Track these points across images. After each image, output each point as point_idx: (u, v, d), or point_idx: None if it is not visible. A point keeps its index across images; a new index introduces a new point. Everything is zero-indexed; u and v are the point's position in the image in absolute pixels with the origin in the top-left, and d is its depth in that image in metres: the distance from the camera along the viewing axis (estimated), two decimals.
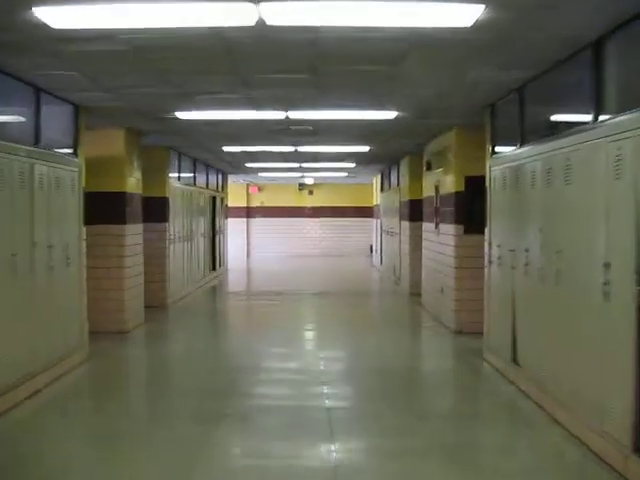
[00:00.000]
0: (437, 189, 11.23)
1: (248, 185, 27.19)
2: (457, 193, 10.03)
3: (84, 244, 8.13)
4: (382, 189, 20.46)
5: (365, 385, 7.50)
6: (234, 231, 26.26)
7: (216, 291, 16.98)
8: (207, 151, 13.93)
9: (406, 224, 15.12)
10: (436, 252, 11.32)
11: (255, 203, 27.49)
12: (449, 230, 10.29)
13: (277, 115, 9.24)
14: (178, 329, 11.55)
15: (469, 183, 9.83)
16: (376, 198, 22.07)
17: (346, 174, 21.12)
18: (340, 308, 13.46)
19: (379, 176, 21.14)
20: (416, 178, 14.36)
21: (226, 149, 13.11)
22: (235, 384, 7.30)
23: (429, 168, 11.92)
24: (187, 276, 14.69)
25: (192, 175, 15.62)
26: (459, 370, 8.39)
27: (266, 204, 27.43)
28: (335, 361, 8.84)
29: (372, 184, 23.48)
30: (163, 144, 12.42)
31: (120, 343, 9.45)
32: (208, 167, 17.59)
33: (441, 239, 10.90)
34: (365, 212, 26.97)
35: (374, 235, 22.76)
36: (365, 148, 12.97)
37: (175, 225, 13.41)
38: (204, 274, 16.94)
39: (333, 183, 26.91)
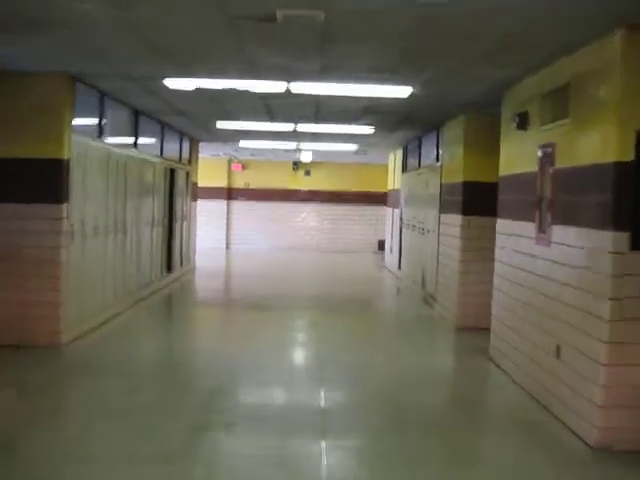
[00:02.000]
0: (547, 159, 6.04)
1: (230, 161, 21.94)
2: (618, 166, 4.84)
3: None
4: (404, 169, 15.25)
5: None
6: (209, 217, 21.16)
7: (166, 305, 11.79)
8: (148, 92, 8.69)
9: (452, 219, 9.94)
10: (539, 277, 6.15)
11: (238, 184, 22.24)
12: (588, 239, 5.12)
13: None
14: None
15: None
16: (393, 181, 16.85)
17: (356, 148, 15.89)
18: (346, 350, 8.27)
19: (399, 152, 15.91)
20: (478, 148, 9.22)
21: (172, 85, 7.85)
22: None
23: (523, 124, 6.70)
24: (113, 289, 9.48)
25: (130, 133, 10.36)
26: None
27: (252, 185, 22.20)
28: None
29: (387, 164, 18.23)
30: (60, 69, 7.19)
31: None
32: (163, 126, 12.35)
33: (557, 254, 5.73)
34: (375, 199, 21.79)
35: (388, 228, 17.57)
36: (403, 91, 7.72)
37: (86, 209, 8.19)
38: (151, 279, 11.74)
39: (336, 162, 21.70)
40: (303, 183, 22.26)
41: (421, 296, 12.16)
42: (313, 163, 21.82)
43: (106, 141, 9.03)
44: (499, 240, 7.53)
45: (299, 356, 8.29)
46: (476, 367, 7.62)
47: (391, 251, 16.71)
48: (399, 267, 15.30)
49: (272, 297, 12.20)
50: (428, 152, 12.46)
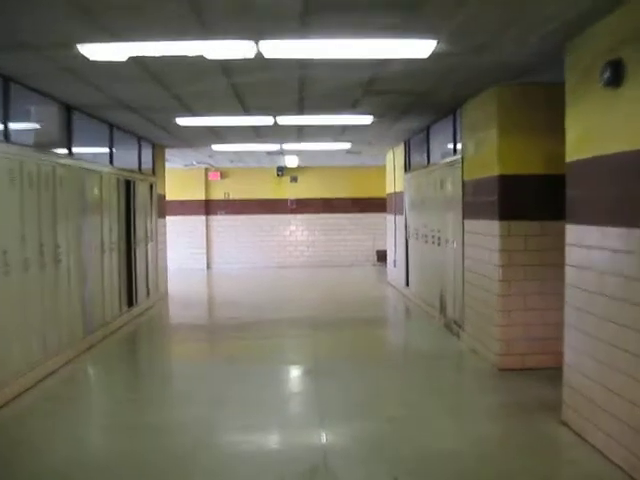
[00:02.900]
0: None
1: (207, 170, 19.57)
2: None
3: None
4: (407, 168, 12.93)
5: None
6: (186, 235, 18.86)
7: (124, 353, 9.32)
8: (64, 71, 6.34)
9: (483, 226, 7.62)
10: None
11: (217, 194, 19.85)
12: None
13: None
14: None
15: None
16: (393, 184, 14.52)
17: (348, 146, 13.57)
18: (355, 416, 5.87)
19: (399, 149, 13.60)
20: (519, 130, 6.96)
21: (94, 55, 5.50)
22: None
23: (616, 79, 4.39)
24: (41, 340, 7.07)
25: (60, 135, 7.97)
26: None
27: (233, 196, 19.82)
28: None
29: (385, 165, 15.90)
30: None
31: None
32: (112, 128, 9.99)
33: None
34: (371, 205, 19.51)
35: (390, 238, 15.23)
36: (422, 48, 5.38)
37: None
38: (105, 320, 9.35)
39: (325, 166, 19.38)
40: (290, 191, 19.90)
41: (440, 321, 9.83)
42: (300, 168, 19.49)
43: (15, 145, 6.65)
44: (573, 256, 5.20)
45: (294, 443, 5.91)
46: (547, 438, 5.26)
47: (395, 265, 14.36)
48: (407, 284, 12.96)
49: (259, 331, 9.83)
50: (441, 144, 10.15)
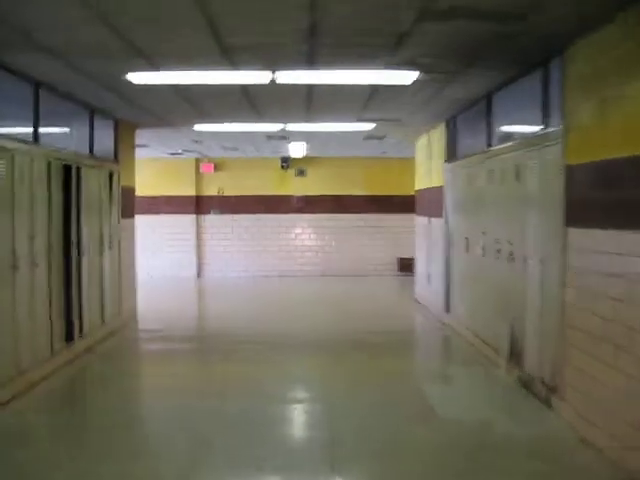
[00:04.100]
0: None
1: (198, 161, 16.48)
2: None
3: None
4: (450, 156, 9.79)
5: None
6: (171, 238, 15.90)
7: (26, 427, 6.18)
8: None
9: (619, 241, 4.49)
10: None
11: (210, 190, 16.74)
12: None
13: None
14: None
15: None
16: (429, 177, 11.36)
17: (371, 127, 10.45)
18: None
19: (437, 132, 10.47)
20: None
21: None
22: None
23: None
24: None
25: None
26: None
27: (228, 192, 16.72)
28: None
29: (416, 154, 12.75)
30: None
31: None
32: (38, 88, 6.87)
33: None
34: (393, 205, 16.48)
35: (422, 247, 12.09)
36: None
37: None
38: (19, 369, 6.26)
39: (338, 157, 16.26)
40: (296, 187, 16.76)
41: (509, 373, 6.71)
42: (308, 160, 16.37)
43: None
44: None
45: None
46: None
47: (429, 280, 11.23)
48: (447, 309, 9.84)
49: (248, 395, 6.74)
50: (513, 117, 7.05)
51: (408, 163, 14.82)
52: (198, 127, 10.27)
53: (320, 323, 10.23)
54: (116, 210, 9.49)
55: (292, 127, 10.41)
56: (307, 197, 16.68)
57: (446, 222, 9.88)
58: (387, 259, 16.69)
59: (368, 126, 10.34)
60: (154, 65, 6.07)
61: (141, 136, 11.32)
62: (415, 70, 6.31)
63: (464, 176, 8.86)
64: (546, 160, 5.84)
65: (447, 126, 9.91)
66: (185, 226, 16.51)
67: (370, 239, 16.69)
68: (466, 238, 8.70)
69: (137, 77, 6.45)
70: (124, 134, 9.96)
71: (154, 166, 16.00)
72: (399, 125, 10.34)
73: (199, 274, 16.60)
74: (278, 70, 6.23)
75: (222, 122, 9.92)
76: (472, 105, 8.37)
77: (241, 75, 6.41)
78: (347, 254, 16.71)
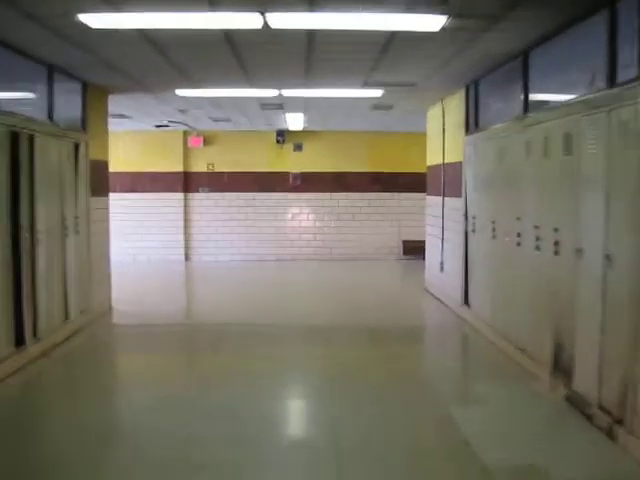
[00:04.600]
0: None
1: (186, 134, 15.11)
2: None
3: None
4: (472, 125, 8.44)
5: None
6: (156, 218, 14.66)
7: None
8: None
9: None
10: None
11: (199, 166, 15.38)
12: None
13: None
14: None
15: None
16: (441, 152, 10.02)
17: (379, 94, 9.11)
18: None
19: (458, 99, 9.12)
20: None
21: None
22: None
23: None
24: None
25: None
26: None
27: (219, 168, 15.36)
28: None
29: (427, 126, 11.39)
30: None
31: None
32: None
33: None
34: (398, 183, 15.23)
35: (434, 230, 10.79)
36: None
37: None
38: None
39: (339, 131, 14.91)
40: (293, 163, 15.39)
41: (554, 390, 5.47)
42: (306, 133, 15.01)
43: None
44: None
45: None
46: None
47: (442, 269, 9.94)
48: (465, 301, 8.57)
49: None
50: (564, 73, 5.72)
51: (414, 138, 13.63)
52: (181, 92, 8.91)
53: (317, 318, 8.95)
54: (84, 187, 8.16)
55: (288, 93, 9.06)
56: (305, 175, 15.32)
57: (465, 203, 8.57)
58: (391, 242, 15.39)
59: (375, 93, 9.00)
60: (112, 3, 4.72)
61: (119, 104, 10.00)
62: (443, 14, 4.98)
63: (490, 149, 7.53)
64: (617, 126, 4.53)
65: (467, 92, 8.57)
66: (172, 205, 15.17)
67: (372, 220, 15.38)
68: (492, 222, 7.40)
69: (93, 19, 5.10)
70: (94, 100, 8.60)
71: (138, 140, 14.69)
72: (411, 92, 8.99)
73: (187, 257, 15.30)
74: (271, 11, 4.89)
75: (206, 86, 8.57)
76: (502, 64, 7.03)
77: (224, 18, 5.07)
78: (348, 236, 15.41)
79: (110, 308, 9.24)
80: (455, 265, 9.10)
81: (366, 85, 8.44)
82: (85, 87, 8.28)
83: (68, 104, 7.85)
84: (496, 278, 7.38)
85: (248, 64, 7.02)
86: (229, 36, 5.72)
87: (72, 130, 7.89)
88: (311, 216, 15.46)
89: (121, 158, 13.78)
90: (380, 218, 15.39)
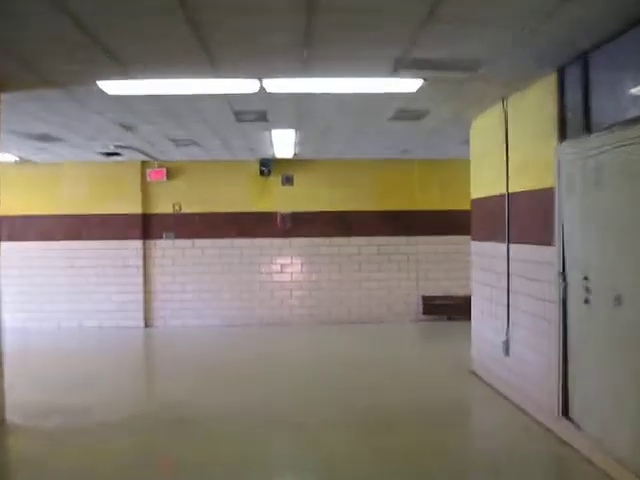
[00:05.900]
0: None
1: (144, 165, 11.86)
2: None
3: None
4: (570, 130, 5.24)
5: None
6: (108, 273, 11.48)
7: None
8: None
9: None
10: None
11: (162, 206, 12.09)
12: None
13: None
14: None
15: None
16: (504, 175, 6.82)
17: (416, 86, 5.91)
18: None
19: (542, 89, 5.95)
20: None
21: None
22: None
23: None
24: None
25: None
26: None
27: (187, 209, 12.08)
28: None
29: (471, 145, 8.20)
30: None
31: None
32: None
33: None
34: (418, 224, 12.06)
35: (484, 290, 7.51)
36: None
37: None
38: None
39: (341, 160, 11.76)
40: (281, 200, 12.08)
41: None
42: (298, 162, 11.82)
43: None
44: None
45: None
46: None
47: (507, 351, 6.63)
48: (564, 411, 5.25)
49: None
50: None
51: (435, 166, 11.09)
52: (107, 86, 5.67)
53: (308, 430, 5.58)
54: None
55: (275, 86, 5.84)
56: (296, 215, 12.05)
57: (562, 255, 5.32)
58: (407, 298, 12.11)
59: (411, 85, 5.81)
60: None
61: (30, 115, 6.81)
62: None
63: (619, 164, 4.32)
64: None
65: (562, 76, 5.40)
66: (128, 256, 11.87)
67: (384, 271, 12.12)
68: (626, 290, 4.14)
69: None
70: None
71: (83, 173, 11.63)
72: (459, 86, 5.83)
73: (148, 323, 11.93)
74: None
75: (146, 74, 5.35)
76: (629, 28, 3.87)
77: None
78: (352, 293, 12.12)
79: (2, 422, 5.86)
80: (538, 350, 5.81)
81: (399, 67, 5.26)
82: None
83: None
84: (633, 378, 4.11)
85: (210, 30, 3.82)
86: None
87: None
88: (305, 267, 12.16)
89: (54, 196, 10.60)
90: (393, 268, 12.13)
